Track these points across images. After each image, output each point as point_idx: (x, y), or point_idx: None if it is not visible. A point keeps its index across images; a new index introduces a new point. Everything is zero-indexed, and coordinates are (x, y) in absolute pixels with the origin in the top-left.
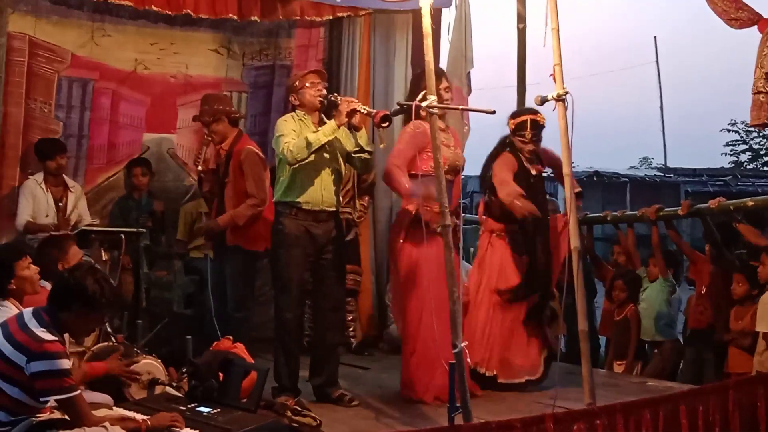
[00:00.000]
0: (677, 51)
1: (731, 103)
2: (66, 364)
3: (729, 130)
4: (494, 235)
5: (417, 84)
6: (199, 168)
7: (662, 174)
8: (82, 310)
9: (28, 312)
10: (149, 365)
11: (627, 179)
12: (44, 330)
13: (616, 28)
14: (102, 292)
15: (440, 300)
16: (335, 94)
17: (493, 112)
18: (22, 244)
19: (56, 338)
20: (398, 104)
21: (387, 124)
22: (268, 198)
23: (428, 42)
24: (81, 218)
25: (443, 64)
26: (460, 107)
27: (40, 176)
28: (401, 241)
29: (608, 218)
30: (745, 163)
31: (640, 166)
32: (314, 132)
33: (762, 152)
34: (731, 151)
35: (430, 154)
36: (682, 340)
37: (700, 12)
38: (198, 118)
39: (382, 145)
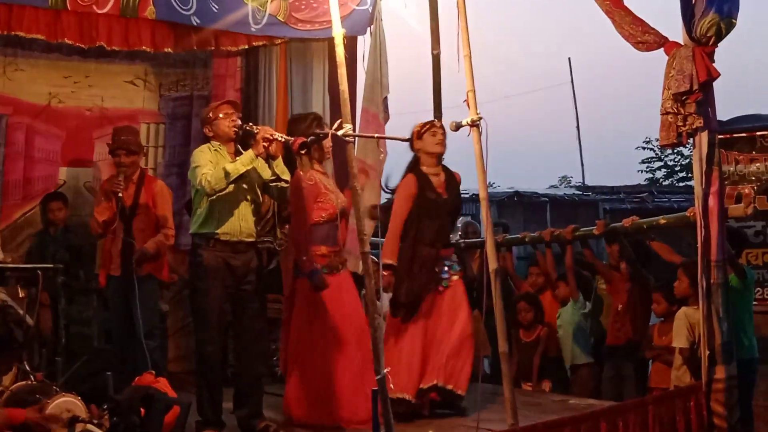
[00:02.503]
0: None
1: (645, 121)
2: None
3: (644, 148)
4: None
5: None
6: (120, 195)
7: (581, 192)
8: None
9: None
10: (69, 403)
11: (547, 198)
12: None
13: (532, 49)
14: (12, 334)
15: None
16: (250, 124)
17: (409, 140)
18: None
19: None
20: (314, 133)
21: (305, 151)
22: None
23: (342, 71)
24: None
25: (360, 91)
26: (375, 135)
27: None
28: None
29: (526, 239)
30: (661, 180)
31: (560, 185)
32: (232, 162)
33: (677, 168)
34: (647, 168)
35: (320, 202)
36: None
37: (611, 34)
38: (113, 151)
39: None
